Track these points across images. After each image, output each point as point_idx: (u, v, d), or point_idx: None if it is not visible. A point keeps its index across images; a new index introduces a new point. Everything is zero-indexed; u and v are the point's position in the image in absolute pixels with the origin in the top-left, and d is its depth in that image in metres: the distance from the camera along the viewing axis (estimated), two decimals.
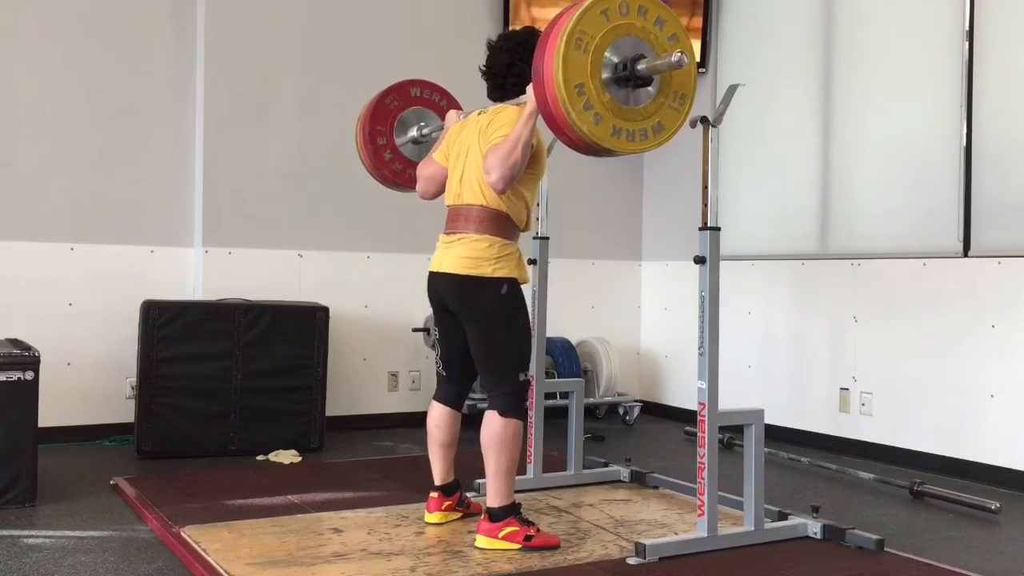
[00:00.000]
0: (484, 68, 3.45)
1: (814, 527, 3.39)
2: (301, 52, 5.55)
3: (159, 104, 5.30)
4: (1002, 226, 4.49)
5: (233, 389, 4.77)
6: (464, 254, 3.25)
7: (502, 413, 3.20)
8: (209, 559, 3.01)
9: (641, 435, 5.74)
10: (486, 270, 3.22)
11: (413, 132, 3.98)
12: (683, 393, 6.13)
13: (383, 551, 3.15)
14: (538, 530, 3.22)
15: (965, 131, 4.65)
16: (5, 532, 3.36)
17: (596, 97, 2.83)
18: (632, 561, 3.08)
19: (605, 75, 2.85)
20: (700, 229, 3.24)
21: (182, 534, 3.26)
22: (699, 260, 3.23)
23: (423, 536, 3.34)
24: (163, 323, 4.66)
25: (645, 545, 3.11)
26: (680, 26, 2.99)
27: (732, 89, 3.23)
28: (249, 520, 3.48)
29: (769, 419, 3.50)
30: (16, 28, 4.98)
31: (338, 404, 5.41)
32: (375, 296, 5.67)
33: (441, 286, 3.35)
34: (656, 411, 6.35)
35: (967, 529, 3.68)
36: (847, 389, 5.11)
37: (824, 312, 5.25)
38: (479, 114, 3.39)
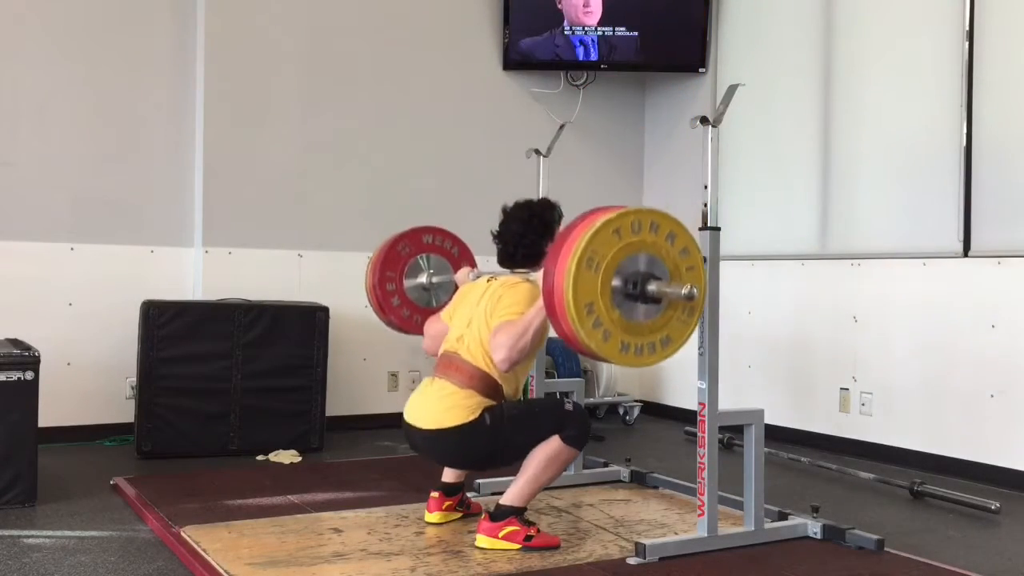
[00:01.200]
0: (495, 234, 3.46)
1: (814, 527, 3.39)
2: (301, 52, 5.55)
3: (159, 104, 5.30)
4: (1002, 226, 4.49)
5: (233, 389, 4.77)
6: (441, 406, 3.17)
7: (566, 440, 3.18)
8: (209, 559, 3.01)
9: (641, 435, 5.74)
10: (464, 417, 3.14)
11: (422, 279, 4.02)
12: (683, 393, 6.13)
13: (383, 551, 3.15)
14: (538, 530, 3.22)
15: (965, 131, 4.65)
16: (5, 532, 3.36)
17: (605, 315, 2.84)
18: (632, 561, 3.09)
19: (615, 293, 2.86)
20: (700, 229, 3.24)
21: (182, 534, 3.26)
22: None
23: (423, 536, 3.34)
24: (163, 323, 4.66)
25: (645, 545, 3.11)
26: (691, 239, 3.02)
27: (732, 89, 3.23)
28: (249, 520, 3.48)
29: (769, 419, 3.50)
30: (16, 28, 4.98)
31: (338, 404, 5.40)
32: None
33: (422, 444, 3.27)
34: (656, 411, 6.35)
35: (967, 529, 3.68)
36: (847, 389, 5.11)
37: (824, 312, 5.25)
38: (489, 280, 3.40)
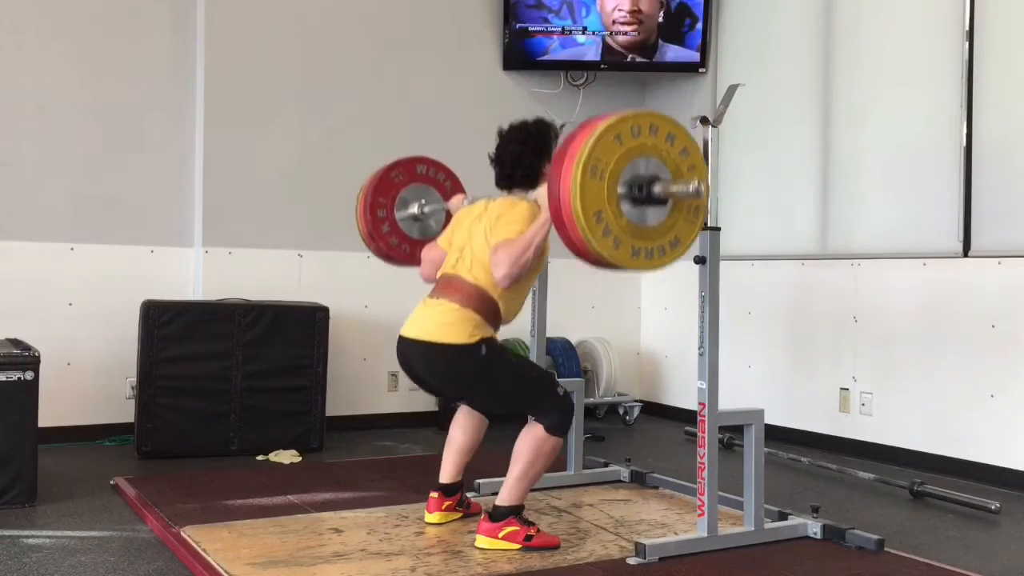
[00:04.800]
0: (493, 156, 3.44)
1: (814, 527, 3.39)
2: (301, 52, 5.55)
3: (159, 104, 5.30)
4: (1002, 226, 4.49)
5: (233, 389, 4.77)
6: (439, 320, 3.17)
7: (548, 429, 3.18)
8: (209, 559, 3.01)
9: (641, 435, 5.74)
10: (462, 337, 3.13)
11: (414, 209, 3.96)
12: (683, 393, 6.13)
13: (383, 551, 3.15)
14: (538, 530, 3.22)
15: (965, 131, 4.65)
16: (5, 532, 3.36)
17: (614, 221, 2.83)
18: (632, 561, 3.09)
19: (622, 199, 2.86)
20: (700, 229, 3.24)
21: (182, 534, 3.26)
22: (699, 260, 3.23)
23: (423, 536, 3.34)
24: (163, 323, 4.66)
25: (645, 545, 3.11)
26: (691, 140, 3.01)
27: (732, 89, 3.24)
28: (249, 520, 3.48)
29: (769, 419, 3.50)
30: (16, 28, 4.98)
31: (338, 404, 5.40)
32: (375, 296, 5.67)
33: (413, 355, 3.24)
34: (656, 411, 6.35)
35: (967, 529, 3.68)
36: (847, 389, 5.11)
37: (824, 312, 5.25)
38: (488, 202, 3.38)
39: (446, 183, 4.02)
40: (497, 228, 3.20)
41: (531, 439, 3.18)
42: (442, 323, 3.16)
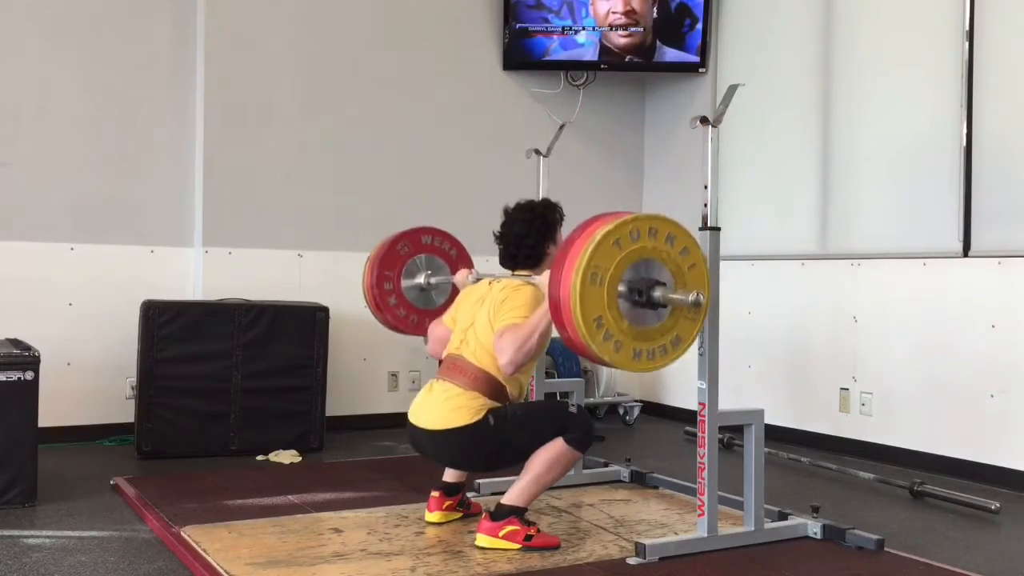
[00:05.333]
0: (498, 235, 3.47)
1: (814, 527, 3.39)
2: (301, 52, 5.55)
3: (159, 104, 5.30)
4: (1002, 226, 4.49)
5: (233, 389, 4.77)
6: (446, 407, 3.17)
7: (570, 442, 3.17)
8: (209, 559, 3.01)
9: (641, 435, 5.74)
10: (466, 418, 3.14)
11: (420, 280, 4.02)
12: (683, 393, 6.12)
13: (383, 551, 3.15)
14: (538, 530, 3.22)
15: (965, 131, 4.65)
16: (5, 532, 3.36)
17: (615, 325, 2.86)
18: (632, 561, 3.09)
19: (622, 304, 2.88)
20: (700, 229, 3.24)
21: (182, 534, 3.27)
22: None
23: (423, 536, 3.34)
24: (163, 323, 4.66)
25: (645, 545, 3.11)
26: (691, 239, 3.03)
27: (732, 89, 3.23)
28: (249, 520, 3.48)
29: (769, 419, 3.50)
30: (16, 28, 4.98)
31: (338, 404, 5.40)
32: None
33: (424, 442, 3.27)
34: (656, 411, 6.35)
35: (967, 529, 3.68)
36: (847, 389, 5.11)
37: (824, 312, 5.25)
38: (491, 283, 3.40)
39: (451, 251, 4.08)
40: (501, 312, 3.21)
41: (551, 448, 3.17)
42: (449, 409, 3.17)
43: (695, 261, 3.01)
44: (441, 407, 3.19)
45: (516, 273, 3.43)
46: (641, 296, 2.89)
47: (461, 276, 3.76)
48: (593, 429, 3.30)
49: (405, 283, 4.00)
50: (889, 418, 4.89)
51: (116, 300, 5.05)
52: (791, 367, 5.44)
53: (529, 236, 3.39)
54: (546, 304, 3.04)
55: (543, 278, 3.15)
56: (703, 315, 3.06)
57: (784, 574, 3.02)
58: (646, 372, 3.01)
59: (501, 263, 3.50)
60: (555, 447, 3.17)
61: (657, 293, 2.90)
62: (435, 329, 3.56)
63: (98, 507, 3.73)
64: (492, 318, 3.23)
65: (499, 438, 3.17)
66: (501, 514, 3.19)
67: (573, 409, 3.28)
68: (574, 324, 2.80)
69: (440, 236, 4.09)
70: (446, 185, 5.91)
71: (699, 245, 3.06)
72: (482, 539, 3.19)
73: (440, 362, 3.41)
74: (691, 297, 2.90)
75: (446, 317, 3.53)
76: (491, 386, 3.20)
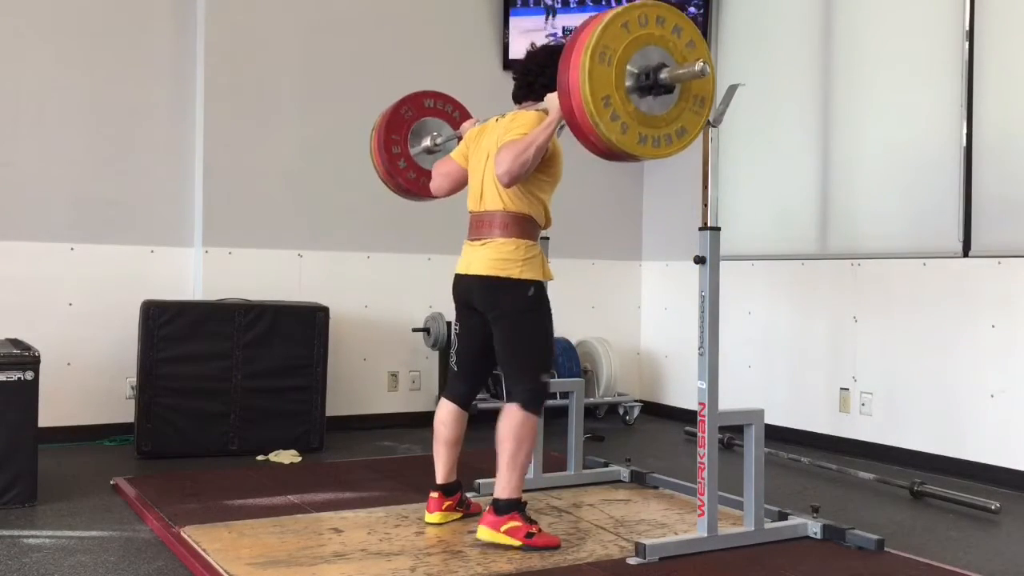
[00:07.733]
0: (518, 66, 3.53)
1: (814, 527, 3.39)
2: (301, 52, 5.55)
3: (159, 104, 5.30)
4: (1002, 226, 4.49)
5: (233, 389, 4.77)
6: (492, 256, 3.31)
7: (523, 407, 3.24)
8: (209, 559, 3.01)
9: (641, 435, 5.74)
10: (514, 272, 3.29)
11: (427, 142, 4.01)
12: (683, 393, 6.13)
13: (383, 551, 3.15)
14: (539, 529, 3.23)
15: (965, 131, 4.65)
16: (5, 532, 3.36)
17: (622, 107, 2.89)
18: (632, 561, 3.09)
19: (629, 85, 2.91)
20: (700, 229, 3.24)
21: (182, 534, 3.27)
22: (699, 260, 3.23)
23: (423, 536, 3.34)
24: (163, 323, 4.66)
25: (645, 545, 3.11)
26: (696, 32, 3.04)
27: (732, 89, 3.23)
28: (249, 520, 3.48)
29: (769, 419, 3.50)
30: (16, 28, 4.98)
31: (338, 404, 5.40)
32: (375, 296, 5.67)
33: (469, 287, 3.40)
34: (656, 411, 6.35)
35: (967, 529, 3.68)
36: (847, 389, 5.11)
37: (824, 312, 5.25)
38: (497, 120, 3.44)
39: (454, 114, 4.05)
40: (504, 137, 3.27)
41: (508, 422, 3.24)
42: (494, 259, 3.29)
43: (701, 55, 3.01)
44: (486, 256, 3.31)
45: (522, 106, 3.46)
46: (648, 79, 2.92)
47: (467, 125, 3.77)
48: (546, 396, 3.34)
49: (412, 149, 3.99)
50: (889, 418, 4.89)
51: (116, 300, 5.05)
52: (791, 367, 5.45)
53: (549, 67, 3.32)
54: (547, 119, 3.15)
55: (549, 97, 3.20)
56: (707, 108, 3.07)
57: (784, 574, 3.02)
58: (650, 158, 3.00)
59: (514, 96, 3.52)
60: (511, 417, 3.23)
61: (663, 73, 2.93)
62: (441, 165, 3.62)
63: (98, 507, 3.73)
64: (499, 143, 3.27)
65: (524, 308, 3.28)
66: (503, 508, 3.20)
67: (545, 378, 3.32)
68: (582, 103, 2.84)
69: (442, 99, 4.06)
70: None
71: (703, 40, 3.07)
72: (483, 532, 3.20)
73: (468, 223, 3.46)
74: (697, 67, 2.90)
75: (455, 153, 3.59)
76: (520, 223, 3.31)
